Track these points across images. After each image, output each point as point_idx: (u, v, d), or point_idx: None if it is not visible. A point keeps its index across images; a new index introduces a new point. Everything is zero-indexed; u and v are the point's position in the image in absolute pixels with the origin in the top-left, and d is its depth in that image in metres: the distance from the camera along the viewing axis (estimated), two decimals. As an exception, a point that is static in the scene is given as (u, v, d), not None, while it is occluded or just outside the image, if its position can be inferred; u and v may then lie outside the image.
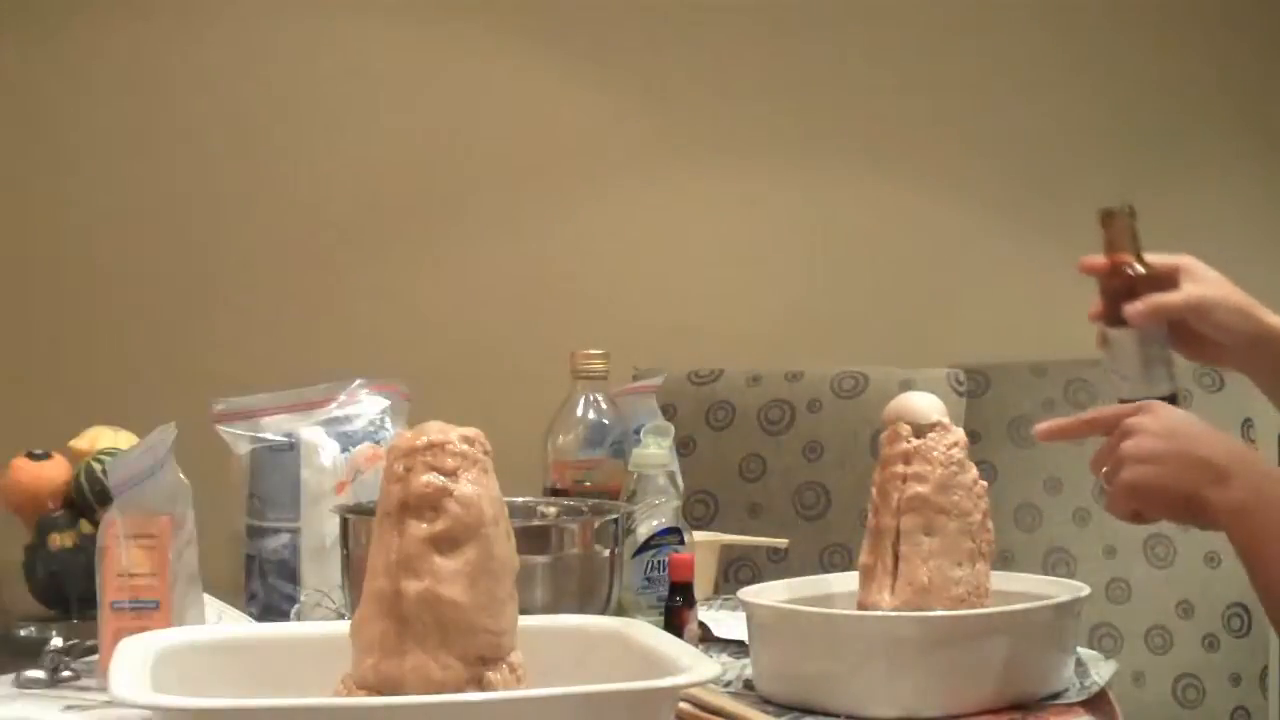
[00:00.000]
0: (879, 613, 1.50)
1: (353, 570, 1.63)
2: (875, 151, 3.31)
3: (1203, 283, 1.61)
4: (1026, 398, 2.91)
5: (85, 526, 1.81)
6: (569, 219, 3.28)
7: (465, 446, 1.19)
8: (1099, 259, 1.64)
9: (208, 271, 3.19)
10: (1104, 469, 1.49)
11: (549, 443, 2.06)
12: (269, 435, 1.83)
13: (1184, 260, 1.62)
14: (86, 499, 1.82)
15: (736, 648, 1.74)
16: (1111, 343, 1.63)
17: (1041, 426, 1.58)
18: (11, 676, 1.55)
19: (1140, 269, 1.62)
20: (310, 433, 1.83)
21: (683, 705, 1.39)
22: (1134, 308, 1.59)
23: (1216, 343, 1.63)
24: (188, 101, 3.19)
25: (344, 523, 1.65)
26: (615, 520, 1.68)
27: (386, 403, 1.92)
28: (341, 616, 1.72)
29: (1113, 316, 1.62)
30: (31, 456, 1.86)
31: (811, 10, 3.31)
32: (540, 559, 1.59)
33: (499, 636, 1.17)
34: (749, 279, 3.30)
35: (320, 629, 1.46)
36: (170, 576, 1.52)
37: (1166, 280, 1.61)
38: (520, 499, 1.71)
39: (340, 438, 1.85)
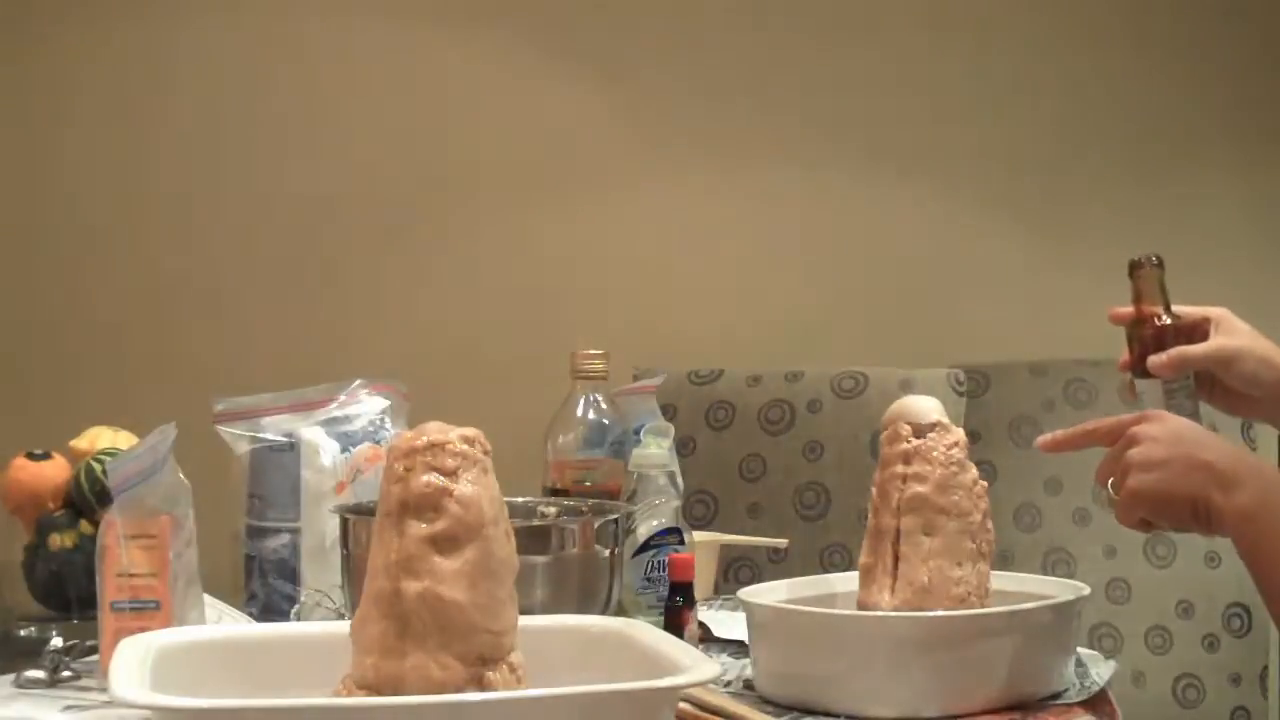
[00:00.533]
0: (879, 613, 1.50)
1: (353, 570, 1.63)
2: (875, 152, 3.31)
3: (1231, 334, 1.61)
4: (1026, 398, 2.91)
5: (85, 526, 1.81)
6: (569, 219, 3.28)
7: (465, 446, 1.19)
8: (1126, 309, 1.64)
9: (208, 272, 3.19)
10: (1110, 479, 1.48)
11: (549, 443, 2.06)
12: (269, 435, 1.83)
13: (1214, 311, 1.62)
14: (86, 499, 1.82)
15: (736, 648, 1.74)
16: (1139, 393, 1.62)
17: (1043, 439, 1.57)
18: (11, 676, 1.55)
19: (1168, 319, 1.61)
20: (310, 433, 1.83)
21: (683, 705, 1.39)
22: (1157, 359, 1.59)
23: (1245, 394, 1.63)
24: (187, 102, 3.19)
25: (344, 523, 1.65)
26: (615, 520, 1.68)
27: (386, 403, 1.92)
28: (341, 616, 1.72)
29: (1140, 367, 1.62)
30: (31, 456, 1.86)
31: (811, 10, 3.31)
32: (540, 559, 1.59)
33: (499, 636, 1.18)
34: (749, 279, 3.30)
35: (320, 629, 1.46)
36: (170, 576, 1.52)
37: (1196, 331, 1.61)
38: (520, 499, 1.72)
39: (340, 438, 1.85)
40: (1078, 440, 1.55)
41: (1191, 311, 1.63)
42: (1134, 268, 1.64)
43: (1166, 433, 1.45)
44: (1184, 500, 1.44)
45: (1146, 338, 1.62)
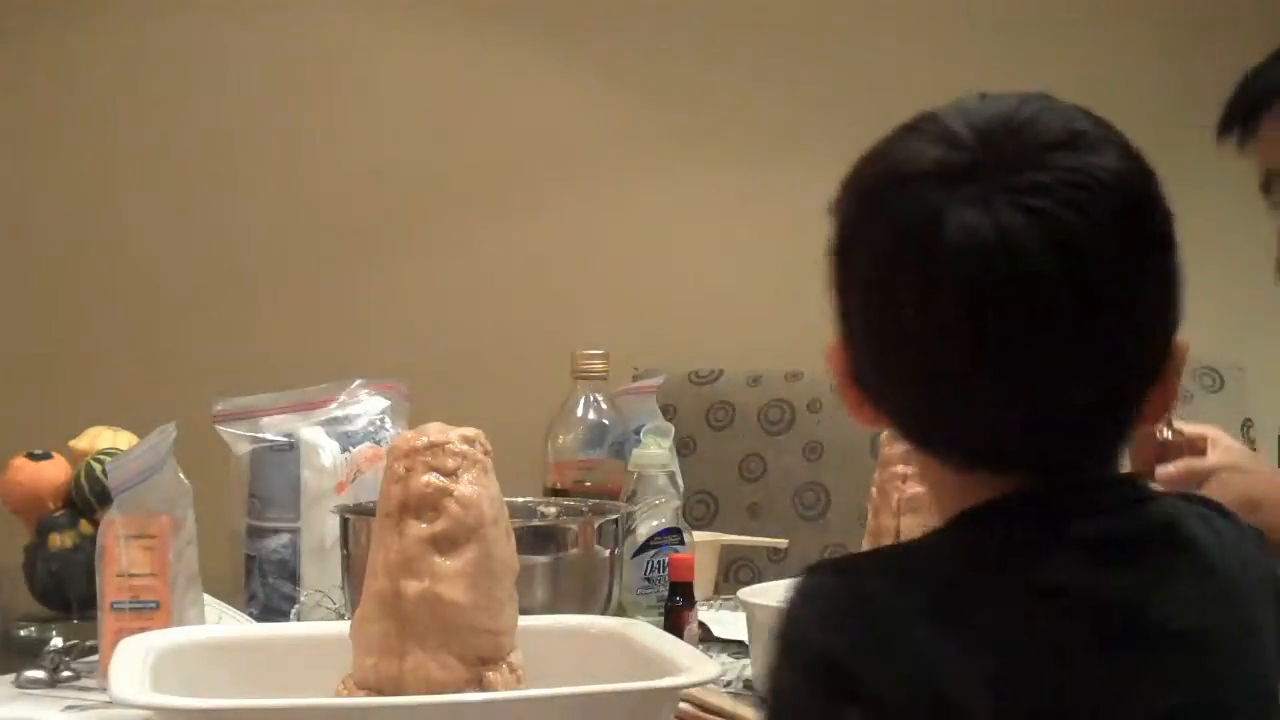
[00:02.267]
0: (879, 613, 1.49)
1: (353, 570, 1.62)
2: (875, 151, 3.30)
3: (1228, 453, 1.67)
4: (1026, 398, 2.91)
5: (85, 526, 1.81)
6: (570, 218, 3.28)
7: (465, 446, 1.19)
8: None
9: (207, 271, 3.19)
10: None
11: (549, 443, 2.05)
12: (269, 435, 1.83)
13: (1211, 430, 1.69)
14: (86, 499, 1.82)
15: (736, 648, 1.74)
16: None
17: None
18: (11, 676, 1.55)
19: (1169, 434, 1.65)
20: (310, 433, 1.83)
21: (683, 705, 1.39)
22: (1167, 470, 1.64)
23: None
24: (186, 103, 3.19)
25: (344, 523, 1.65)
26: (615, 520, 1.68)
27: (386, 403, 1.92)
28: (341, 616, 1.72)
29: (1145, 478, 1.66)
30: (31, 456, 1.86)
31: (811, 9, 3.30)
32: (540, 559, 1.59)
33: (499, 637, 1.18)
34: (749, 279, 3.29)
35: (320, 629, 1.46)
36: (170, 576, 1.52)
37: (1193, 447, 1.67)
38: (520, 499, 1.71)
39: (340, 438, 1.84)
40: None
41: (1189, 429, 1.68)
42: None
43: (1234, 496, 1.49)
44: None
45: (1148, 452, 1.65)
